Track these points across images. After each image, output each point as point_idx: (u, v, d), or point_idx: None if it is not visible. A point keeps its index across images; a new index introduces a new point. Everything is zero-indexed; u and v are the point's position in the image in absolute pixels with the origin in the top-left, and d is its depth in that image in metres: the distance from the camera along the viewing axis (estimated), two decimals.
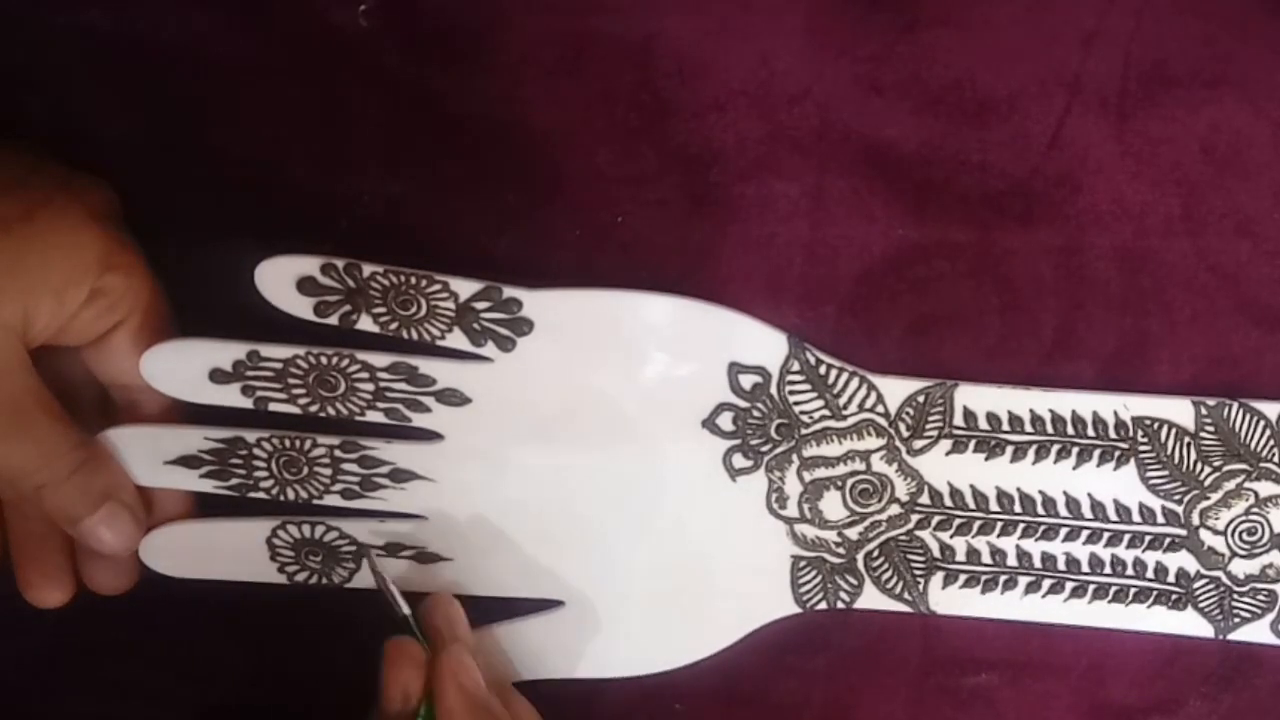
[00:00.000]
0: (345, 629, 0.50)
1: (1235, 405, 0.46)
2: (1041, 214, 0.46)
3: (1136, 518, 0.47)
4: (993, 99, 0.46)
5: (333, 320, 0.46)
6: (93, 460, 0.46)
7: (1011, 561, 0.48)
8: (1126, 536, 0.48)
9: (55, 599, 0.48)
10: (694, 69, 0.46)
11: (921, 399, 0.47)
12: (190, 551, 0.49)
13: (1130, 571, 0.48)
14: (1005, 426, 0.47)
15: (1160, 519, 0.47)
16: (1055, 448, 0.47)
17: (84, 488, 0.46)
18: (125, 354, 0.46)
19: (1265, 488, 0.47)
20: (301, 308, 0.45)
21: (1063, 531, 0.48)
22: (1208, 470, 0.47)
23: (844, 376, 0.47)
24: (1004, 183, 0.46)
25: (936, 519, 0.48)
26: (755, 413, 0.47)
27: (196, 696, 0.53)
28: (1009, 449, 0.47)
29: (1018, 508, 0.48)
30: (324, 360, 0.46)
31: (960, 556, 0.48)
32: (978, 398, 0.47)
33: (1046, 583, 0.48)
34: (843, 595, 0.49)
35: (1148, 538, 0.48)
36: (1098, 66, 0.45)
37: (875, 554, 0.48)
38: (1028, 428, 0.47)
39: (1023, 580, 0.48)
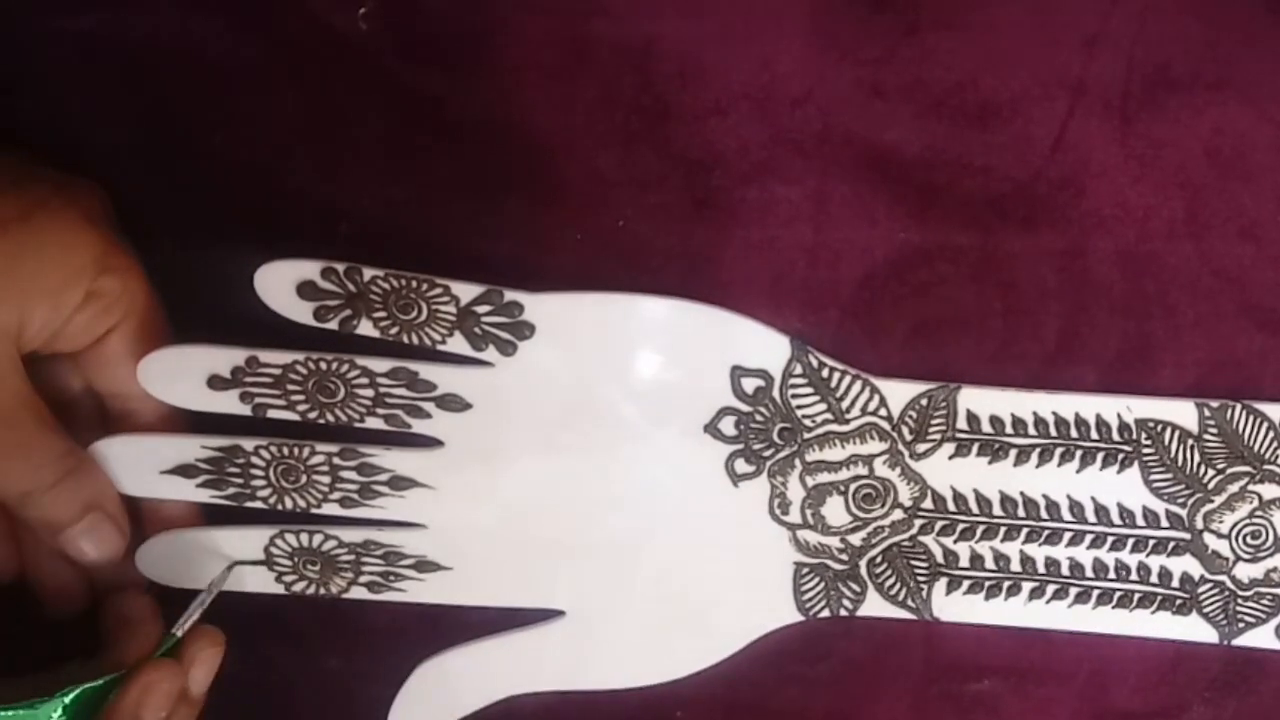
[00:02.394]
0: (343, 633, 0.50)
1: (1239, 407, 0.46)
2: (1044, 217, 0.46)
3: (1140, 521, 0.47)
4: (995, 102, 0.46)
5: (333, 325, 0.45)
6: (79, 469, 0.46)
7: (1015, 567, 0.48)
8: (1130, 541, 0.47)
9: (73, 609, 0.48)
10: (695, 72, 0.46)
11: (924, 402, 0.47)
12: (187, 560, 0.48)
13: (1134, 576, 0.48)
14: (1009, 430, 0.47)
15: (1164, 523, 0.47)
16: (1059, 451, 0.47)
17: (68, 497, 0.45)
18: (121, 359, 0.46)
19: (1269, 490, 0.46)
20: (301, 312, 0.45)
21: (1066, 536, 0.47)
22: (1211, 473, 0.46)
23: (846, 380, 0.47)
24: (1007, 186, 0.46)
25: (940, 524, 0.48)
26: (758, 417, 0.47)
27: None
28: (1012, 452, 0.47)
29: (1021, 512, 0.47)
30: (323, 366, 0.46)
31: (964, 562, 0.48)
32: (981, 401, 0.46)
33: (1050, 588, 0.48)
34: (845, 602, 0.49)
35: (1151, 542, 0.47)
36: (1101, 69, 0.45)
37: (878, 560, 0.48)
38: (1031, 431, 0.47)
39: (1026, 586, 0.48)
